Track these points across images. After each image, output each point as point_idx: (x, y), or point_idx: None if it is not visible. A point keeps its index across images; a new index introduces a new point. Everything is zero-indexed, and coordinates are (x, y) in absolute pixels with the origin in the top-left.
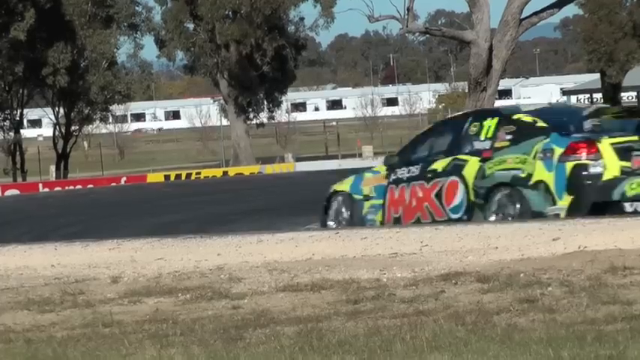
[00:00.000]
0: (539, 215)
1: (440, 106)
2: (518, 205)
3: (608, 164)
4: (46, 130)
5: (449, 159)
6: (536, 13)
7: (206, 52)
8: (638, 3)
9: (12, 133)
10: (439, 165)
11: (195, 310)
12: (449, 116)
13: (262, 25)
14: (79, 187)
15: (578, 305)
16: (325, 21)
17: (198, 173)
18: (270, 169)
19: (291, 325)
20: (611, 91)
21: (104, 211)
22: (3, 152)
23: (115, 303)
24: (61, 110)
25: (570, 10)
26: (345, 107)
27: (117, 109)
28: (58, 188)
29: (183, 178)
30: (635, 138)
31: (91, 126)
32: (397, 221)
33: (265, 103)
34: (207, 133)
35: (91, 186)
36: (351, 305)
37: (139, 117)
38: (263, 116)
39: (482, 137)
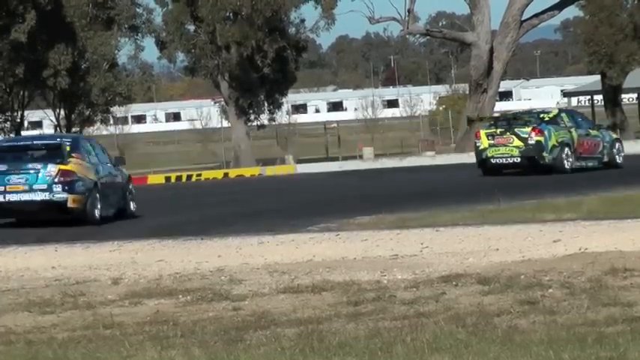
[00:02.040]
0: None
1: (440, 108)
2: None
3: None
4: (47, 132)
5: None
6: (536, 15)
7: (207, 53)
8: (638, 5)
9: (13, 135)
10: None
11: (195, 312)
12: None
13: (263, 26)
14: None
15: (578, 307)
16: (326, 23)
17: (199, 175)
18: (270, 170)
19: (291, 326)
20: (612, 92)
21: None
22: None
23: (115, 304)
24: (62, 112)
25: (571, 12)
26: (346, 109)
27: (118, 110)
28: None
29: (184, 179)
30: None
31: (91, 128)
32: None
33: (266, 104)
34: (208, 135)
35: None
36: (351, 307)
37: (139, 119)
38: (264, 118)
39: None
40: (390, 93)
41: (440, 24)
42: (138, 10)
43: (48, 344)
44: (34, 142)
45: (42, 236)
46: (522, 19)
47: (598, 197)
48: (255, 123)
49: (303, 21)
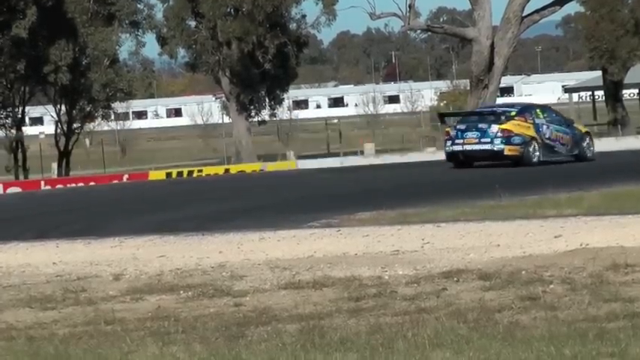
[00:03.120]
0: None
1: (442, 104)
2: None
3: None
4: (48, 128)
5: None
6: (537, 11)
7: (208, 49)
8: (639, 1)
9: (14, 131)
10: None
11: (197, 308)
12: None
13: (264, 22)
14: (80, 184)
15: (580, 303)
16: (327, 18)
17: (200, 171)
18: (271, 166)
19: (293, 322)
20: (613, 88)
21: (106, 208)
22: (5, 150)
23: (116, 300)
24: (63, 108)
25: (572, 8)
26: (347, 105)
27: (118, 106)
28: (59, 186)
29: (185, 175)
30: None
31: (92, 123)
32: None
33: (267, 100)
34: (209, 131)
35: (92, 183)
36: (352, 303)
37: (140, 114)
38: (265, 114)
39: None
40: (391, 89)
41: (441, 19)
42: (139, 5)
43: (49, 340)
44: (486, 109)
45: (43, 232)
46: (523, 14)
47: (599, 193)
48: (256, 119)
49: (304, 17)
